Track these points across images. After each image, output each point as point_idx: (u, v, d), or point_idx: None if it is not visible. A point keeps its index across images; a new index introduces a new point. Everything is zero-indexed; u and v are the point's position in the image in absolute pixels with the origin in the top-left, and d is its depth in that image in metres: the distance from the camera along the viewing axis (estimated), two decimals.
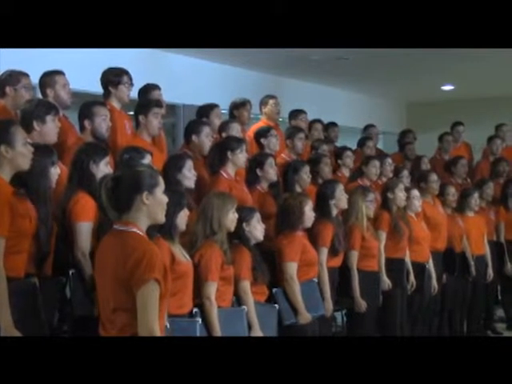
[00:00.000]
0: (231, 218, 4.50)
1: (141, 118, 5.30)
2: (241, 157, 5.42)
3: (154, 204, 3.06)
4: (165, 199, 3.11)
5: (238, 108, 6.88)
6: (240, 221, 4.66)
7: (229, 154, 5.37)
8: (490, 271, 7.47)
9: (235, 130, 6.03)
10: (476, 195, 7.39)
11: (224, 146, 5.43)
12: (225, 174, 5.36)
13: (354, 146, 7.89)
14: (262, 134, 6.47)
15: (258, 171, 5.64)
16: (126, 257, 2.94)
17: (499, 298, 8.20)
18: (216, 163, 5.39)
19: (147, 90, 5.93)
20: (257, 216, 4.80)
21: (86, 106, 4.95)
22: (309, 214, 5.30)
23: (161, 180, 3.11)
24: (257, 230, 4.77)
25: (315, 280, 5.34)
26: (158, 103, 5.42)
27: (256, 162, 5.69)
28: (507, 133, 9.30)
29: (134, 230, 3.02)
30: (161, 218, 3.11)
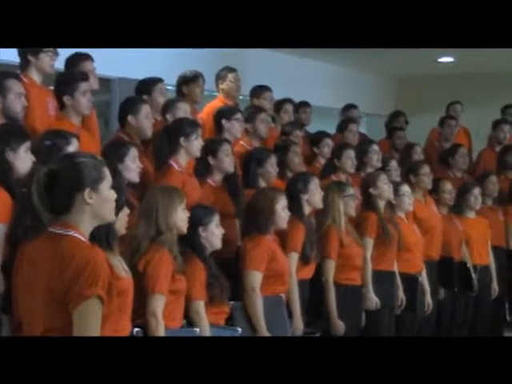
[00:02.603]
0: (181, 217, 4.56)
1: (65, 99, 5.32)
2: (196, 144, 5.50)
3: (100, 202, 3.10)
4: (112, 195, 3.16)
5: (187, 83, 6.91)
6: (195, 224, 4.72)
7: (182, 140, 5.45)
8: (495, 285, 7.64)
9: (183, 110, 6.10)
10: (476, 191, 7.54)
11: (175, 131, 5.49)
12: (176, 166, 5.44)
13: (330, 131, 7.99)
14: (225, 114, 6.47)
15: (211, 159, 5.73)
16: (63, 266, 2.97)
17: (507, 317, 8.32)
18: (164, 152, 5.46)
19: (76, 60, 5.91)
20: (216, 219, 4.89)
21: None
22: (281, 214, 5.38)
23: (106, 172, 3.16)
24: (215, 236, 4.86)
25: (282, 296, 5.42)
26: (84, 76, 5.43)
27: (208, 149, 5.74)
28: None
29: (74, 233, 3.06)
30: (110, 216, 3.17)
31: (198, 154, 5.58)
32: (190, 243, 4.74)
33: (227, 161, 5.77)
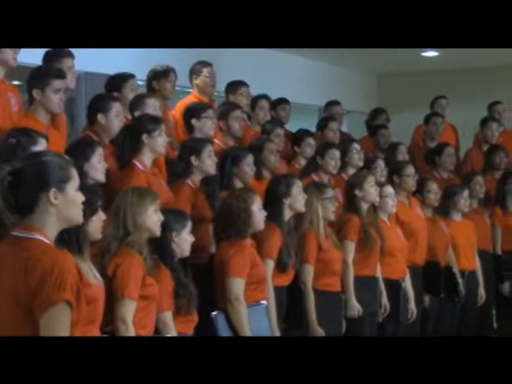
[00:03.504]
0: (152, 218, 4.58)
1: (35, 92, 5.29)
2: (160, 140, 5.51)
3: (66, 204, 3.12)
4: (79, 197, 3.17)
5: (158, 78, 6.91)
6: (168, 229, 4.73)
7: (144, 137, 5.45)
8: (482, 291, 7.70)
9: (152, 107, 6.09)
10: (466, 194, 7.60)
11: (137, 128, 5.50)
12: (140, 165, 5.45)
13: (310, 129, 8.02)
14: (194, 112, 6.47)
15: (193, 160, 5.76)
16: (28, 271, 2.99)
17: (494, 325, 8.44)
18: (127, 151, 5.47)
19: (55, 55, 5.85)
20: (189, 225, 4.91)
21: None
22: (258, 215, 5.40)
23: (74, 173, 3.18)
24: (186, 242, 4.88)
25: (264, 303, 5.47)
26: (60, 73, 5.39)
27: (191, 149, 5.79)
28: (503, 113, 9.55)
29: (39, 236, 3.08)
30: (77, 219, 3.19)
31: (162, 151, 5.60)
32: (159, 249, 4.74)
33: (210, 162, 5.82)
